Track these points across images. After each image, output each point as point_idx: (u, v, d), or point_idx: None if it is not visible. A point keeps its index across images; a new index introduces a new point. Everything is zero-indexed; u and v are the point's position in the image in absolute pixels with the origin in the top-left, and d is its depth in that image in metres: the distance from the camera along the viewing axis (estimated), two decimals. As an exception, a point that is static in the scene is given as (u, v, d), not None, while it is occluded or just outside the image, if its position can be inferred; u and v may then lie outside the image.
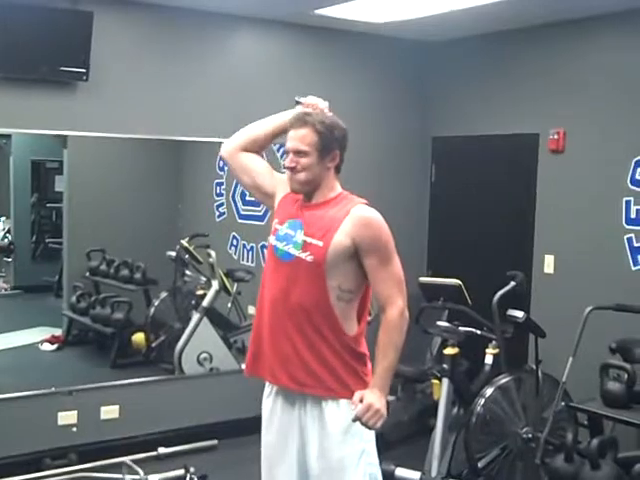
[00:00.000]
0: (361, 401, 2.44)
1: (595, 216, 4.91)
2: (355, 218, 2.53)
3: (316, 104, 2.78)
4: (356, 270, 2.54)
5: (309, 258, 2.52)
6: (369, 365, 2.62)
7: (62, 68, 4.43)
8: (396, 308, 2.51)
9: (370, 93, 5.71)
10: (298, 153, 2.57)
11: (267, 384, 2.73)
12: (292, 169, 2.58)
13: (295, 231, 2.59)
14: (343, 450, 2.55)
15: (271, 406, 2.70)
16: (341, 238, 2.50)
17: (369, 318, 2.71)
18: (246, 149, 2.82)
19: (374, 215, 2.56)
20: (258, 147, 2.85)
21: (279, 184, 2.75)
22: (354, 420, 2.46)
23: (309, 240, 2.54)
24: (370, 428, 2.47)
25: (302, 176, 2.58)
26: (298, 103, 2.84)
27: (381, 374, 2.50)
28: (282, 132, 2.79)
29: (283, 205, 2.72)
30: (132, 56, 4.80)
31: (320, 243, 2.51)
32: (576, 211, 5.02)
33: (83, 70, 4.47)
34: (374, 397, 2.45)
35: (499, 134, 5.48)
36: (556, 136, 5.06)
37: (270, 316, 2.61)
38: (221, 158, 2.89)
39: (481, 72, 5.63)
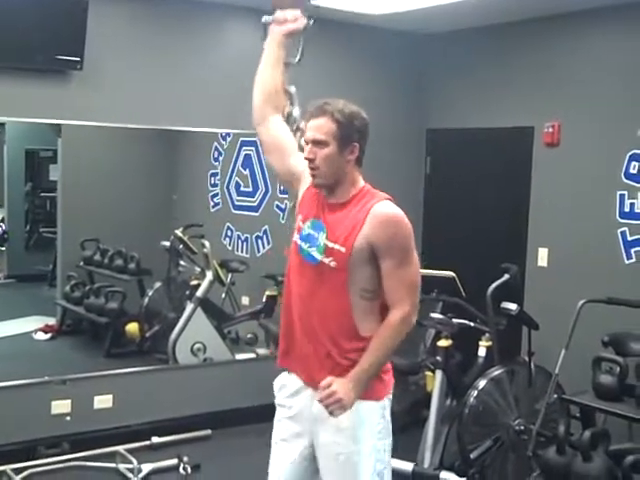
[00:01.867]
0: (329, 386, 2.40)
1: (589, 210, 4.92)
2: (373, 218, 2.44)
3: (284, 17, 2.71)
4: (377, 270, 2.47)
5: (332, 264, 2.46)
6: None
7: (57, 57, 4.40)
8: (400, 312, 2.43)
9: (365, 85, 5.69)
10: (316, 143, 2.46)
11: (283, 377, 2.71)
12: (311, 161, 2.48)
13: (318, 233, 2.51)
14: (353, 446, 2.51)
15: (287, 390, 2.67)
16: (361, 242, 2.43)
17: None
18: (269, 98, 2.73)
19: (393, 213, 2.46)
20: (278, 87, 2.75)
21: (306, 169, 2.59)
22: (317, 400, 2.43)
23: (331, 245, 2.46)
24: (330, 414, 2.42)
25: (322, 169, 2.47)
26: (267, 25, 2.71)
27: (363, 367, 2.44)
28: (282, 59, 2.76)
29: (306, 199, 2.62)
30: (127, 45, 4.77)
31: (343, 249, 2.44)
32: (570, 205, 5.03)
33: (78, 59, 4.44)
34: (342, 386, 2.39)
35: (494, 127, 5.49)
36: (551, 129, 5.07)
37: (299, 315, 2.56)
38: (256, 132, 2.79)
39: (476, 65, 5.63)
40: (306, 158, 2.51)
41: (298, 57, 2.84)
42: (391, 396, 2.64)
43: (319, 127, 2.47)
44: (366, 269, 2.46)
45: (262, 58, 2.76)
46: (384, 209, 2.47)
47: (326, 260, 2.47)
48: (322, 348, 2.51)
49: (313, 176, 2.52)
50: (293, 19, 2.73)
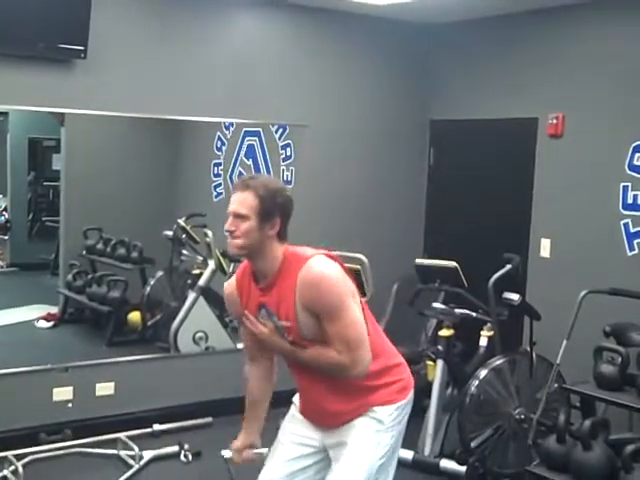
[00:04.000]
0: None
1: (592, 201, 4.91)
2: (300, 284, 2.46)
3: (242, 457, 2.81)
4: None
5: (291, 339, 2.55)
6: (394, 369, 2.65)
7: (60, 45, 4.40)
8: (341, 359, 2.46)
9: (369, 75, 5.70)
10: (237, 216, 2.50)
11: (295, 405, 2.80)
12: (231, 232, 2.52)
13: (272, 319, 2.58)
14: (354, 457, 2.59)
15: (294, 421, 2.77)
16: (299, 311, 2.48)
17: (365, 299, 2.70)
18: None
19: (313, 275, 2.46)
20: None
21: (236, 300, 2.70)
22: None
23: (284, 324, 2.53)
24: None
25: (240, 241, 2.50)
26: (227, 460, 2.84)
27: (295, 347, 2.54)
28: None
29: (244, 296, 2.66)
30: (131, 34, 4.77)
31: (289, 324, 2.51)
32: (573, 196, 5.02)
33: (81, 47, 4.43)
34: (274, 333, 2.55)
35: (498, 118, 5.47)
36: (555, 121, 5.06)
37: (300, 380, 2.69)
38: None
39: (481, 55, 5.62)
40: (227, 230, 2.54)
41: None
42: (401, 405, 2.65)
43: (242, 201, 2.50)
44: (319, 327, 2.49)
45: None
46: (306, 273, 2.47)
47: (289, 338, 2.55)
48: (329, 395, 2.59)
49: (232, 246, 2.54)
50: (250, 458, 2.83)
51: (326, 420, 2.65)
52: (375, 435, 2.59)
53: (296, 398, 2.80)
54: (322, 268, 2.47)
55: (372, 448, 2.58)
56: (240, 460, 2.81)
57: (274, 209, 2.51)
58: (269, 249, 2.52)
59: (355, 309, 2.49)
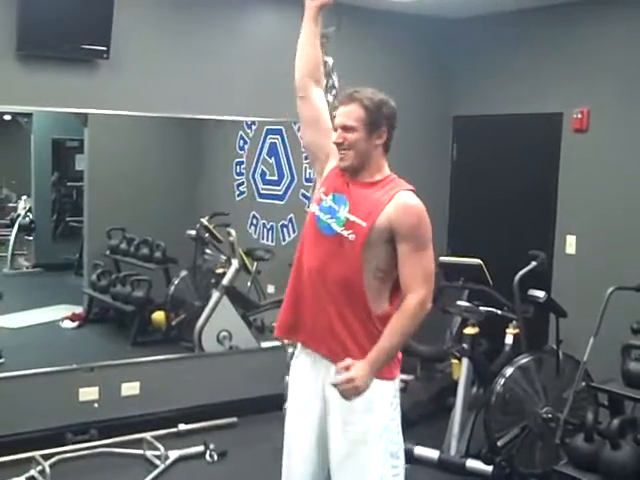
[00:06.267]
0: (347, 369, 2.42)
1: (618, 196, 4.86)
2: (398, 204, 2.52)
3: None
4: (392, 252, 2.54)
5: (351, 237, 2.52)
6: None
7: (83, 46, 4.41)
8: (416, 297, 2.48)
9: (391, 71, 5.66)
10: (345, 129, 2.56)
11: (298, 348, 2.75)
12: (339, 145, 2.58)
13: (339, 206, 2.58)
14: (365, 424, 2.55)
15: (299, 370, 2.72)
16: (383, 221, 2.50)
17: None
18: (309, 73, 2.77)
19: (416, 203, 2.55)
20: (317, 61, 2.82)
21: (334, 151, 2.71)
22: (332, 384, 2.46)
23: (352, 218, 2.54)
24: (345, 398, 2.46)
25: (350, 152, 2.57)
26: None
27: (378, 352, 2.48)
28: (317, 33, 2.84)
29: (332, 175, 2.69)
30: (153, 34, 4.77)
31: (364, 224, 2.51)
32: (599, 191, 4.97)
33: (104, 48, 4.44)
34: (359, 372, 2.42)
35: (522, 113, 5.43)
36: (580, 115, 5.00)
37: (310, 286, 2.60)
38: (299, 97, 2.81)
39: (504, 51, 5.57)
40: (335, 142, 2.60)
41: (334, 28, 2.87)
42: (396, 386, 2.66)
43: (348, 113, 2.58)
44: (382, 248, 2.52)
45: (301, 34, 2.84)
46: (409, 198, 2.56)
47: (345, 232, 2.54)
48: (335, 320, 2.55)
49: (341, 159, 2.60)
50: None
51: (327, 340, 2.57)
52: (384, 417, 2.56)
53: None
54: (421, 203, 2.57)
55: (382, 446, 2.57)
56: None
57: (380, 119, 2.58)
58: (375, 161, 2.61)
59: (432, 250, 2.56)
